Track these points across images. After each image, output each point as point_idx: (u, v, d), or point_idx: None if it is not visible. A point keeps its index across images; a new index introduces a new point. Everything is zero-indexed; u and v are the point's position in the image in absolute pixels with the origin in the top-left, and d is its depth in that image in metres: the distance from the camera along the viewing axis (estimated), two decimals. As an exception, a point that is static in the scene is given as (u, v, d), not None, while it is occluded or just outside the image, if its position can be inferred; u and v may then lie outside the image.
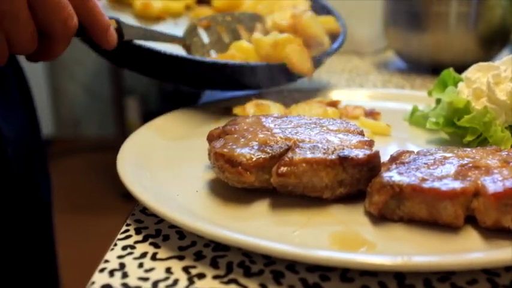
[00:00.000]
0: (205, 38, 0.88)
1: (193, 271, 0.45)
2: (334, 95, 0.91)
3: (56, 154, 3.61)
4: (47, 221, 0.99)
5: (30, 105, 0.99)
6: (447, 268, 0.41)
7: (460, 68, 0.78)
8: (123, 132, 3.21)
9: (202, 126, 0.77)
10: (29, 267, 0.92)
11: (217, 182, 0.58)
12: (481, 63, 0.72)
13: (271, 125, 0.61)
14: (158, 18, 0.95)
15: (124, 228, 0.52)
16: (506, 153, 0.54)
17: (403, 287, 0.42)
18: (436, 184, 0.48)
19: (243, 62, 0.80)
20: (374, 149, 0.55)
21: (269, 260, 0.46)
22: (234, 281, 0.43)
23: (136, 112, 3.54)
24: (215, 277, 0.44)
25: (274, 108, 0.77)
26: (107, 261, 0.46)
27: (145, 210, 0.55)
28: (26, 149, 0.91)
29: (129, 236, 0.50)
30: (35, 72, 3.47)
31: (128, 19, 0.88)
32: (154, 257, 0.47)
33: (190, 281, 0.43)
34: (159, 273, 0.44)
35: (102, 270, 0.45)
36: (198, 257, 0.47)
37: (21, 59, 0.97)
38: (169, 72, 0.83)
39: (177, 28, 0.94)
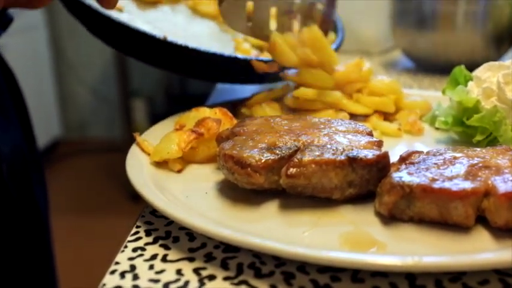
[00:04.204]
0: None
1: (204, 272, 0.45)
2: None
3: (64, 156, 3.64)
4: (44, 232, 0.98)
5: (25, 115, 0.96)
6: (458, 268, 0.41)
7: (469, 68, 0.78)
8: (130, 134, 3.21)
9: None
10: (26, 279, 0.91)
11: (227, 184, 0.58)
12: (491, 63, 0.72)
13: (279, 126, 0.61)
14: (155, 2, 0.93)
15: (134, 230, 0.52)
16: (516, 152, 0.54)
17: (414, 288, 0.42)
18: (447, 184, 0.47)
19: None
20: (383, 149, 0.55)
21: (279, 261, 0.46)
22: (244, 283, 0.43)
23: (143, 114, 3.55)
24: (225, 278, 0.44)
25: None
26: (117, 263, 0.47)
27: (155, 212, 0.55)
28: (21, 163, 0.89)
29: (139, 238, 0.51)
30: (43, 75, 3.49)
31: (125, 2, 0.87)
32: (164, 259, 0.47)
33: (201, 282, 0.43)
34: (169, 274, 0.44)
35: (112, 272, 0.45)
36: (209, 258, 0.47)
37: (13, 66, 0.94)
38: (176, 62, 0.81)
39: (174, 14, 0.92)
